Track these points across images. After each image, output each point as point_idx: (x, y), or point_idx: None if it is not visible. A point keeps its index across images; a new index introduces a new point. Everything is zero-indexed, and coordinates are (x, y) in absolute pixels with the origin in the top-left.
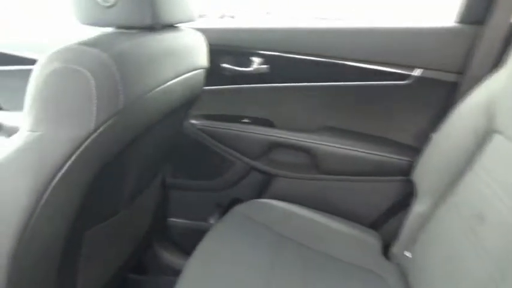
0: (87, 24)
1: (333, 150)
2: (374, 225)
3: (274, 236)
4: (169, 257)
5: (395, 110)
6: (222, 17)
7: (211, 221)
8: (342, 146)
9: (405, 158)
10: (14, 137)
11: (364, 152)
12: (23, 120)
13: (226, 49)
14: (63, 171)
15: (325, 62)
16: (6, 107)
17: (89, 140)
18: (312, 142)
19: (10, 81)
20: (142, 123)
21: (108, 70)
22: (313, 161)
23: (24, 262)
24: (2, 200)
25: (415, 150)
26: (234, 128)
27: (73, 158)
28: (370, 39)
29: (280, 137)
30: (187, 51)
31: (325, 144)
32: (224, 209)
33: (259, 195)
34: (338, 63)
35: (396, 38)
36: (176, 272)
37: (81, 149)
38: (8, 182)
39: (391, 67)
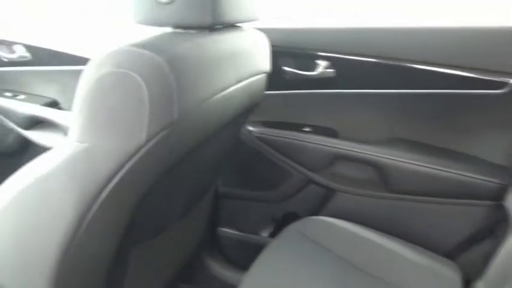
0: (143, 23)
1: (405, 166)
2: (451, 254)
3: (335, 259)
4: (218, 268)
5: (484, 124)
6: (278, 18)
7: (264, 234)
8: (417, 162)
9: (495, 180)
10: (62, 145)
11: (443, 170)
12: (70, 129)
13: (288, 51)
14: (111, 185)
15: (400, 66)
16: (65, 106)
17: (139, 153)
18: (381, 156)
19: (70, 80)
20: (199, 134)
21: (162, 76)
22: (382, 177)
23: (69, 279)
24: (47, 213)
25: (508, 171)
26: (293, 136)
27: (122, 171)
28: (457, 41)
29: (344, 149)
30: (250, 53)
31: (397, 160)
32: (277, 222)
33: (317, 210)
34: (414, 67)
35: (489, 39)
36: (223, 285)
37: (131, 162)
38: (54, 195)
39: (482, 74)
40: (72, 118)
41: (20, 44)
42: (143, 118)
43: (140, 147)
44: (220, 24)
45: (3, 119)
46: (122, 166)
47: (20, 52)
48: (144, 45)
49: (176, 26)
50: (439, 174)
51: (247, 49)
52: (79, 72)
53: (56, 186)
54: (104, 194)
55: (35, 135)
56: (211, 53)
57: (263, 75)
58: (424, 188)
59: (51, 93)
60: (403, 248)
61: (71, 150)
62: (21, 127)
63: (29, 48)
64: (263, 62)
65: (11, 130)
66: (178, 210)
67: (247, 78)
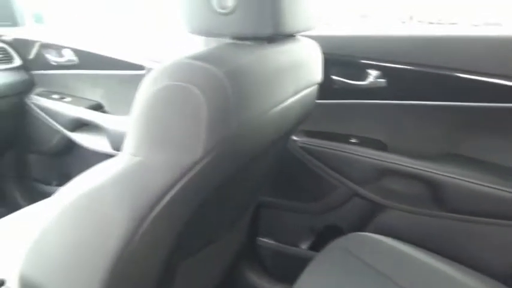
0: (198, 33)
1: (462, 184)
2: (508, 281)
3: (382, 279)
4: (256, 279)
5: None
6: (363, 16)
7: (302, 246)
8: (474, 181)
9: None
10: (116, 158)
11: (503, 190)
12: (125, 141)
13: (337, 59)
14: (164, 201)
15: (457, 76)
16: (109, 109)
17: (195, 169)
18: (435, 172)
19: (114, 84)
20: (255, 148)
21: (222, 89)
22: (435, 194)
23: None
24: (97, 226)
25: None
26: (339, 148)
27: (176, 187)
28: None
29: (394, 163)
30: (306, 64)
31: (453, 177)
32: (317, 235)
33: (361, 225)
34: (474, 79)
35: None
36: None
37: (186, 178)
38: (106, 206)
39: None
40: (127, 130)
41: (69, 48)
42: (200, 133)
43: (196, 163)
44: (279, 35)
45: (50, 120)
46: (176, 182)
47: (68, 56)
48: (203, 58)
49: (234, 37)
50: (498, 194)
51: (304, 60)
52: (123, 76)
53: (109, 198)
54: (156, 209)
55: (79, 137)
56: (271, 65)
57: (316, 86)
58: (481, 208)
59: (96, 96)
60: (455, 270)
61: (125, 163)
62: (66, 128)
63: (76, 52)
64: (317, 72)
65: (57, 131)
66: (227, 222)
67: (303, 89)
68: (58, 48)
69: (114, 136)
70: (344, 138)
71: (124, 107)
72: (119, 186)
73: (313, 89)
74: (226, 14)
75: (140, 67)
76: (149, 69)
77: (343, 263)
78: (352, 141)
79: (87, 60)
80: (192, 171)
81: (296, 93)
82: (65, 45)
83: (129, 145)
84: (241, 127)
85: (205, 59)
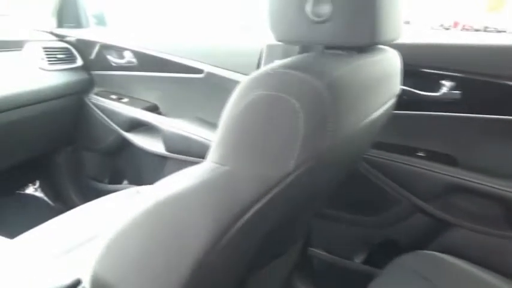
0: (288, 41)
1: None
2: None
3: None
4: None
5: None
6: (406, 22)
7: (356, 259)
8: None
9: None
10: (199, 166)
11: None
12: (211, 149)
13: (407, 69)
14: (249, 214)
15: None
16: (165, 111)
17: (284, 182)
18: (509, 191)
19: (171, 87)
20: (344, 162)
21: (320, 101)
22: (508, 214)
23: None
24: (178, 233)
25: None
26: (404, 161)
27: (263, 200)
28: None
29: (465, 179)
30: (391, 75)
31: None
32: (373, 249)
33: (423, 243)
34: None
35: None
36: None
37: (273, 191)
38: (188, 216)
39: None
40: (215, 138)
41: (128, 49)
42: (295, 145)
43: (286, 176)
44: (375, 45)
45: (107, 119)
46: (264, 195)
47: (128, 57)
48: (300, 68)
49: (327, 46)
50: None
51: (390, 70)
52: (181, 79)
53: (191, 207)
54: (240, 222)
55: (134, 137)
56: (365, 76)
57: (395, 97)
58: None
59: (153, 98)
60: None
61: (211, 171)
62: (122, 128)
63: (136, 54)
64: (398, 82)
65: (113, 130)
66: (299, 234)
67: (387, 101)
68: (118, 50)
69: (169, 138)
70: (410, 151)
71: (180, 110)
72: (204, 195)
73: (394, 100)
74: (320, 23)
75: (199, 71)
76: (208, 73)
77: (409, 283)
78: (419, 154)
79: (146, 62)
80: (281, 185)
81: (383, 104)
82: (125, 46)
83: (216, 153)
84: (336, 140)
85: (303, 69)
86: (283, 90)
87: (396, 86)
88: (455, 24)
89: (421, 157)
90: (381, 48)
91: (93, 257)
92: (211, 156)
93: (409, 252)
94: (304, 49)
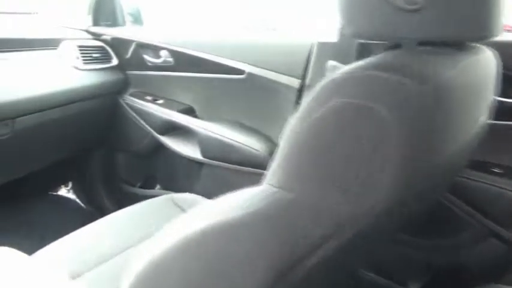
0: (369, 37)
1: None
2: None
3: None
4: None
5: None
6: None
7: (412, 285)
8: None
9: None
10: (255, 189)
11: None
12: (271, 171)
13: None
14: (315, 256)
15: None
16: (201, 114)
17: (371, 213)
18: None
19: (210, 89)
20: (444, 183)
21: (425, 110)
22: None
23: None
24: (227, 269)
25: None
26: (477, 177)
27: (340, 237)
28: None
29: None
30: (492, 78)
31: None
32: (434, 275)
33: (498, 272)
34: None
35: None
36: None
37: (356, 226)
38: (235, 251)
39: None
40: (276, 156)
41: (165, 48)
42: (387, 166)
43: (374, 206)
44: (485, 39)
45: (141, 121)
46: (336, 233)
47: (165, 57)
48: (392, 69)
49: (422, 41)
50: None
51: (490, 74)
52: (220, 80)
53: (248, 237)
54: (303, 266)
55: (169, 141)
56: (471, 81)
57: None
58: None
59: (189, 99)
60: None
61: (272, 197)
62: (156, 131)
63: (173, 53)
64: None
65: (147, 133)
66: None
67: (486, 110)
68: (154, 49)
69: (205, 142)
70: (483, 167)
71: (218, 113)
72: (264, 224)
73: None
74: (413, 11)
75: (240, 71)
76: (250, 74)
77: None
78: (495, 170)
79: (184, 61)
80: (362, 222)
81: (481, 115)
82: (162, 45)
83: (277, 175)
84: (439, 157)
85: (398, 71)
86: (371, 98)
87: (492, 92)
88: None
89: (496, 173)
90: (479, 47)
91: (127, 274)
92: (270, 178)
93: (481, 286)
94: (377, 46)
